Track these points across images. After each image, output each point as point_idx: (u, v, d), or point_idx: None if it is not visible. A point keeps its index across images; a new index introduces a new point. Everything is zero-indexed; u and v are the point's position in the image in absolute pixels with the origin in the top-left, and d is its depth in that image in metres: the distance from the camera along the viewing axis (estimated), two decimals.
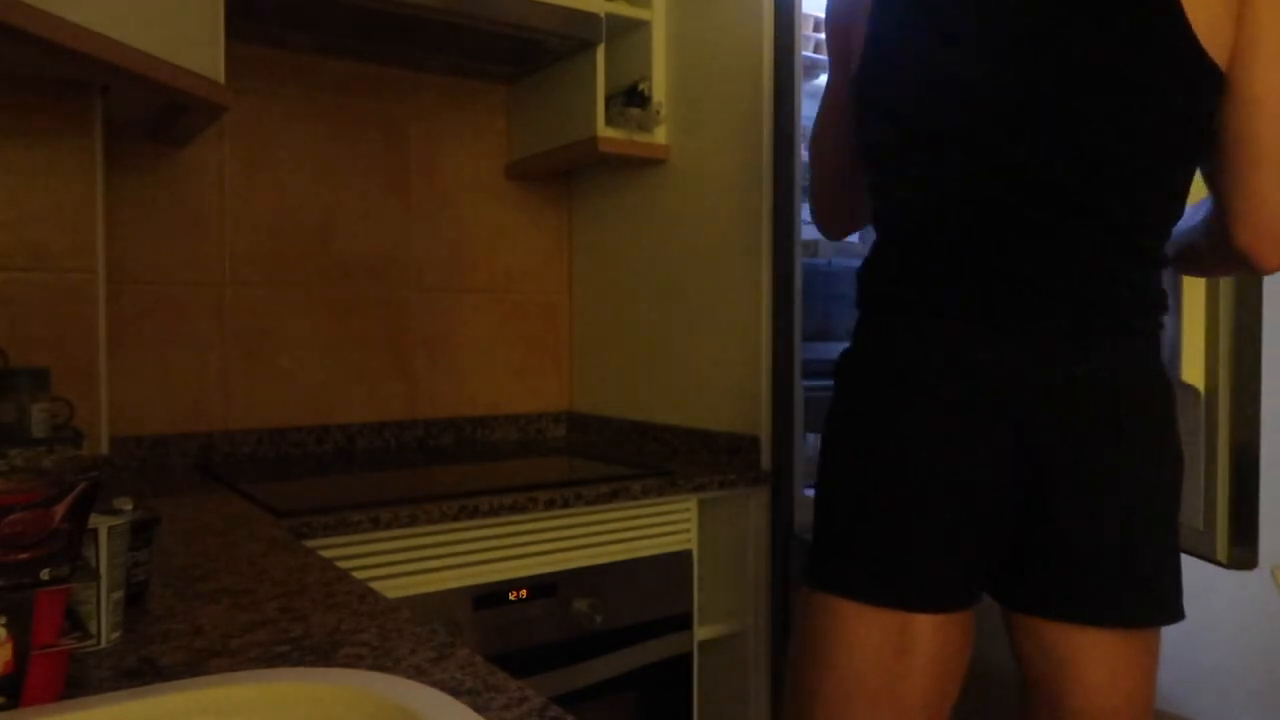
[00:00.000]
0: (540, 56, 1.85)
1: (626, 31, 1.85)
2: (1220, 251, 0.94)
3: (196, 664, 0.66)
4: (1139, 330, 0.92)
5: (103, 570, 0.69)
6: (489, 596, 1.34)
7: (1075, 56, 0.87)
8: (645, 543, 1.50)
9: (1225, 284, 1.14)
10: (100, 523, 0.69)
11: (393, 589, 1.26)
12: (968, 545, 0.92)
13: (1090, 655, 0.92)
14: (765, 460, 1.61)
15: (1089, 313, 0.90)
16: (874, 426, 0.94)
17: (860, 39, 0.99)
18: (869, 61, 0.98)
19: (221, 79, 1.32)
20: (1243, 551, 1.15)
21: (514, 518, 1.36)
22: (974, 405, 0.90)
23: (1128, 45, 0.86)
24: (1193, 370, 1.18)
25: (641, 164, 1.88)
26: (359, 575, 1.19)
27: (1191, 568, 1.87)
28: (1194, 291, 1.17)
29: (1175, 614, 0.95)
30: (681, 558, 1.54)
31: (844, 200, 1.13)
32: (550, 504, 1.38)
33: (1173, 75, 0.86)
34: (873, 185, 1.01)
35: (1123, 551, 0.90)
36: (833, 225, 1.18)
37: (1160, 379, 0.93)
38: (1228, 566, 1.16)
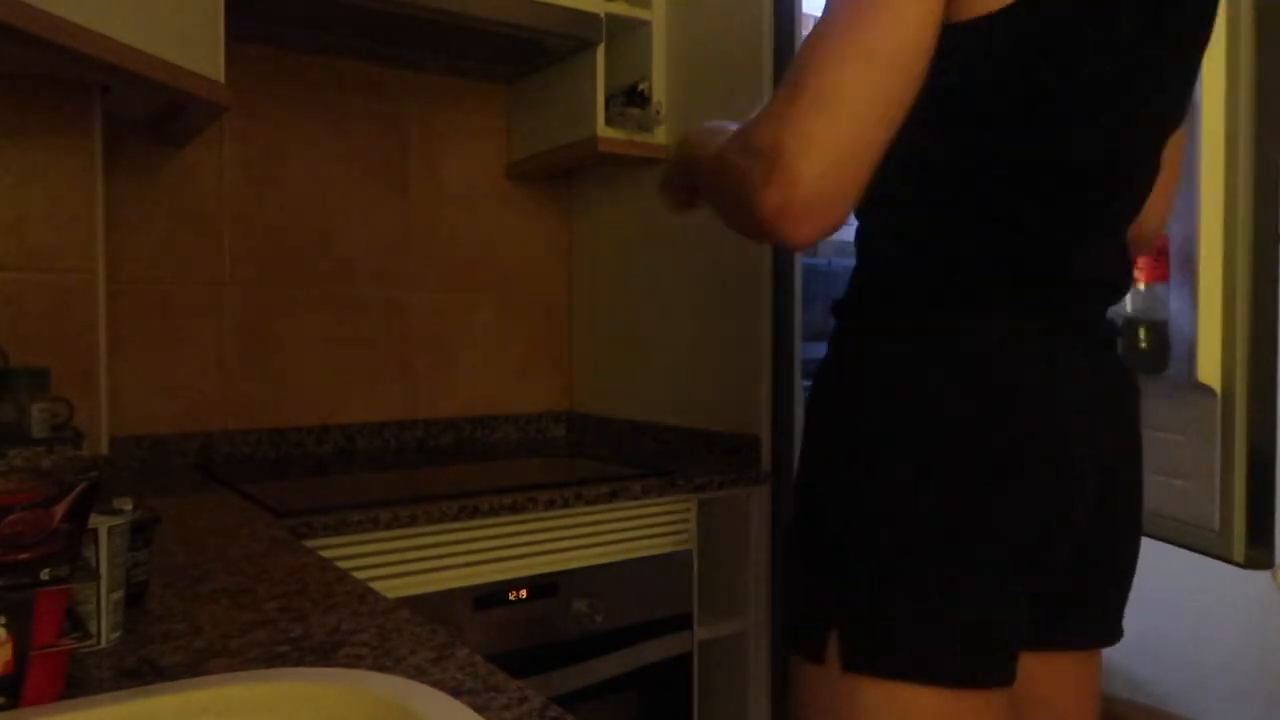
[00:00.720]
0: (540, 56, 1.85)
1: (626, 31, 1.85)
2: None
3: (196, 664, 0.66)
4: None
5: (103, 570, 0.69)
6: (489, 596, 1.34)
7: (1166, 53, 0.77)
8: (645, 543, 1.50)
9: (1242, 284, 1.14)
10: (100, 523, 0.69)
11: (393, 589, 1.26)
12: (1061, 584, 0.79)
13: (1067, 680, 0.83)
14: (765, 460, 1.61)
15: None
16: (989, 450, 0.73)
17: None
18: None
19: (221, 79, 1.32)
20: (1258, 552, 1.15)
21: (514, 518, 1.36)
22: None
23: (1197, 40, 0.80)
24: (1209, 371, 1.18)
25: (641, 164, 1.88)
26: (359, 575, 1.19)
27: (1193, 569, 1.87)
28: (1210, 292, 1.17)
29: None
30: (681, 558, 1.54)
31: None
32: (550, 504, 1.38)
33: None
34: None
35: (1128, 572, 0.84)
36: (837, 211, 0.75)
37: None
38: (1244, 567, 1.16)
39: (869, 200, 0.75)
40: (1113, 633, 0.85)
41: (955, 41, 0.72)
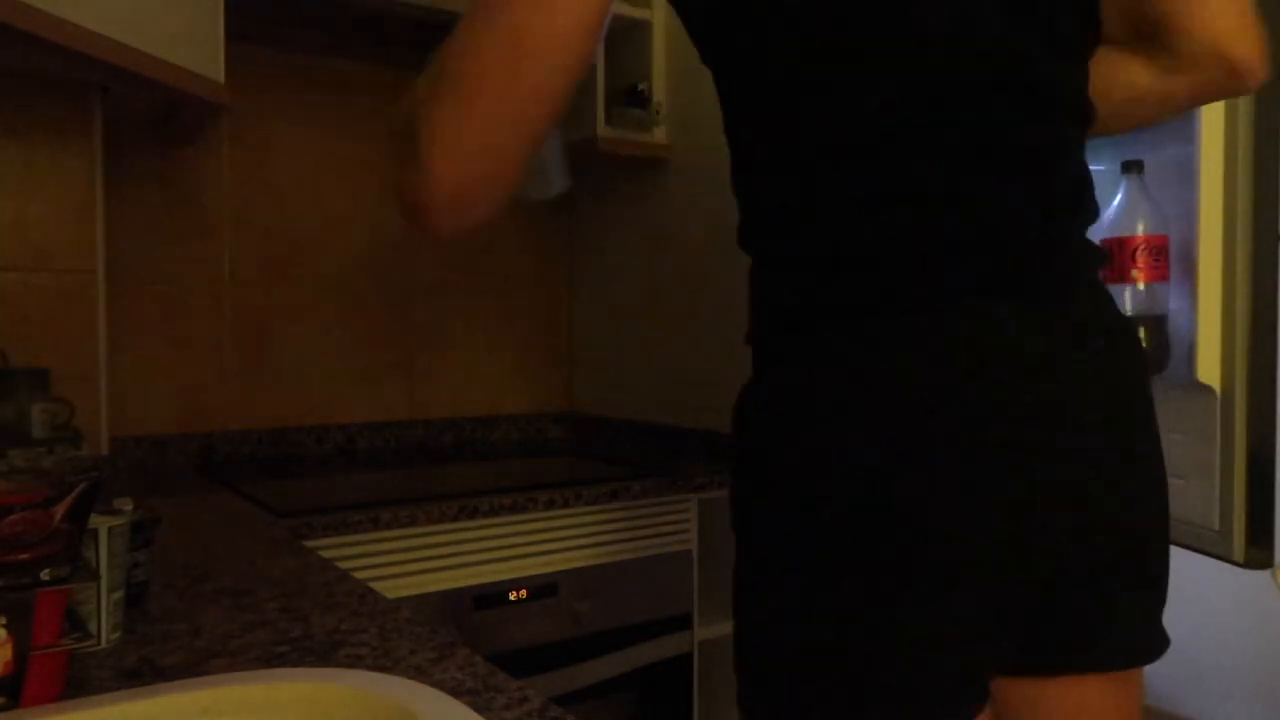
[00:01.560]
0: None
1: (626, 31, 1.85)
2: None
3: (196, 664, 0.66)
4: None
5: (103, 570, 0.69)
6: (489, 596, 1.34)
7: None
8: (645, 543, 1.50)
9: (1242, 283, 1.14)
10: (100, 523, 0.69)
11: (393, 589, 1.26)
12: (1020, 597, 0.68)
13: (1088, 706, 0.73)
14: None
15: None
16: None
17: None
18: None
19: (221, 79, 1.32)
20: (1259, 552, 1.15)
21: (514, 518, 1.36)
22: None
23: None
24: (1208, 371, 1.17)
25: (641, 164, 1.88)
26: (359, 575, 1.19)
27: (1192, 568, 1.87)
28: (1210, 291, 1.17)
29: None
30: (681, 558, 1.54)
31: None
32: (550, 504, 1.38)
33: None
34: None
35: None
36: (477, 210, 0.69)
37: None
38: (1244, 566, 1.16)
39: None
40: (1135, 649, 0.74)
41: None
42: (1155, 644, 0.75)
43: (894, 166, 0.66)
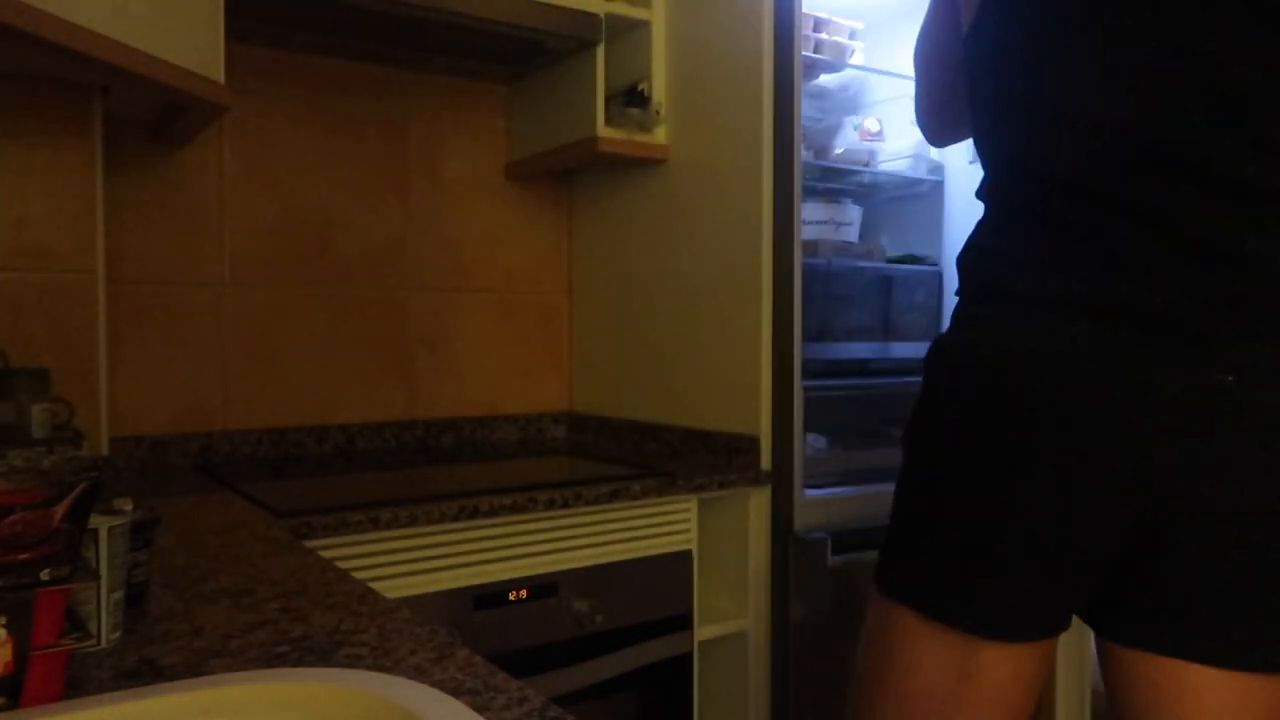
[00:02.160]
0: (540, 56, 1.85)
1: (626, 31, 1.85)
2: None
3: (196, 664, 0.66)
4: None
5: (103, 570, 0.69)
6: (489, 596, 1.34)
7: None
8: (645, 543, 1.50)
9: None
10: (100, 523, 0.69)
11: (393, 589, 1.26)
12: (1065, 569, 0.81)
13: (1203, 699, 0.79)
14: (765, 460, 1.61)
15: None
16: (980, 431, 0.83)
17: None
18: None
19: (221, 79, 1.32)
20: None
21: (514, 518, 1.36)
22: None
23: None
24: None
25: (641, 164, 1.88)
26: (359, 575, 1.19)
27: None
28: None
29: None
30: (681, 558, 1.54)
31: (955, 111, 1.04)
32: (550, 504, 1.38)
33: None
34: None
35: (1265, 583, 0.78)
36: (944, 135, 1.10)
37: None
38: None
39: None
40: (1231, 654, 0.79)
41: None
42: (1258, 655, 0.79)
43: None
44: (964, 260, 0.90)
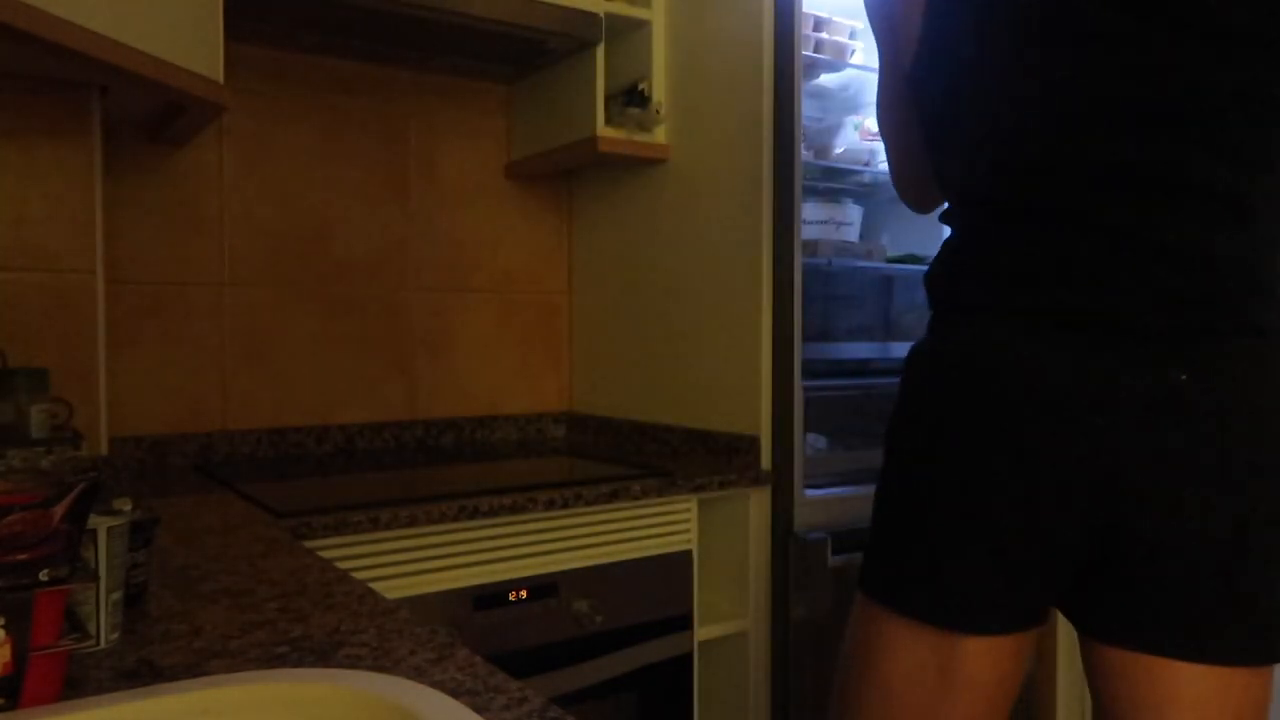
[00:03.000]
0: (540, 56, 1.85)
1: (626, 31, 1.85)
2: None
3: (196, 665, 0.66)
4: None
5: (102, 571, 0.69)
6: (489, 596, 1.34)
7: None
8: (645, 543, 1.50)
9: None
10: (99, 523, 0.69)
11: (393, 589, 1.26)
12: (1029, 564, 0.84)
13: (1180, 695, 0.81)
14: (765, 460, 1.61)
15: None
16: (938, 430, 0.88)
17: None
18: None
19: (221, 79, 1.32)
20: None
21: (514, 518, 1.36)
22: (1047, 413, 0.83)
23: None
24: None
25: (641, 164, 1.88)
26: (359, 575, 1.19)
27: None
28: None
29: None
30: (681, 558, 1.54)
31: (923, 173, 1.05)
32: (550, 504, 1.38)
33: None
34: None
35: (1229, 576, 0.79)
36: (924, 200, 1.10)
37: None
38: None
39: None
40: (1211, 648, 0.81)
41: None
42: (1243, 651, 0.81)
43: None
44: (931, 280, 0.95)
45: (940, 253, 0.95)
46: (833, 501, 1.62)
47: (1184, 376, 0.78)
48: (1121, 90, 0.79)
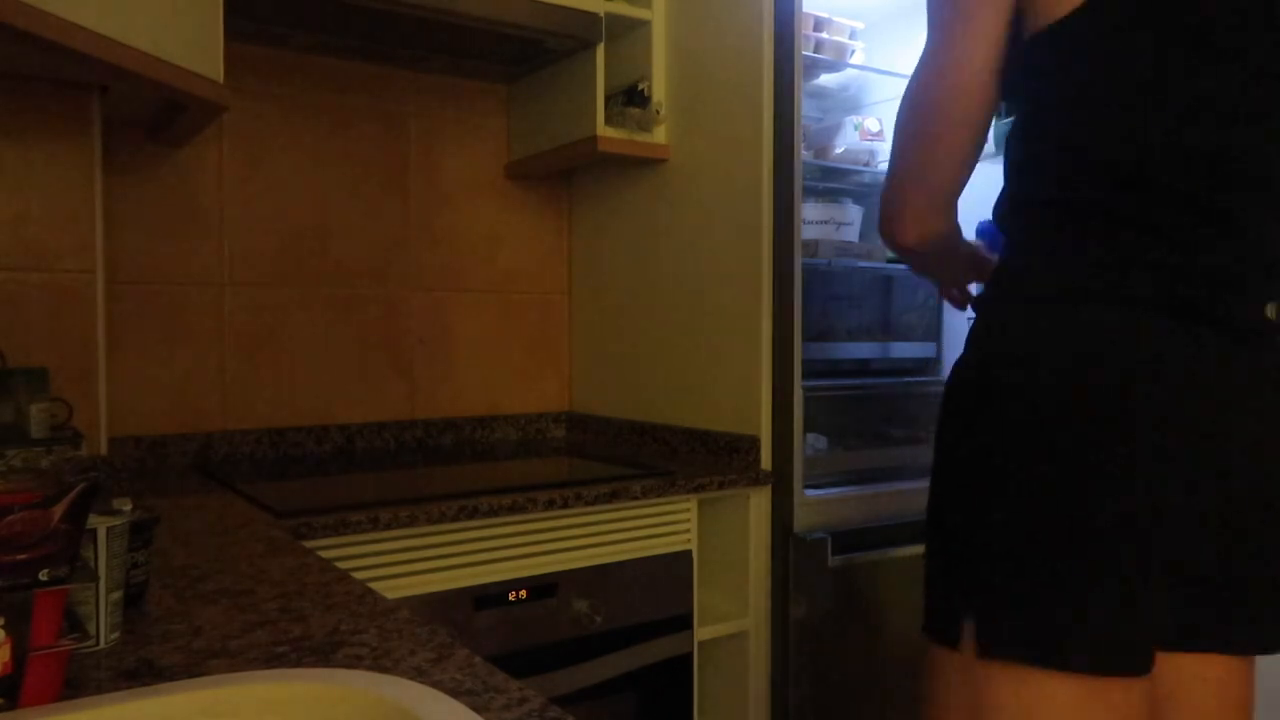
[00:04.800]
0: (540, 56, 1.85)
1: (626, 31, 1.85)
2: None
3: (195, 665, 0.66)
4: None
5: (102, 571, 0.69)
6: (489, 596, 1.34)
7: None
8: (645, 543, 1.50)
9: None
10: (99, 523, 0.69)
11: (393, 589, 1.26)
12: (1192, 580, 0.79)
13: (1224, 688, 0.81)
14: (765, 460, 1.61)
15: None
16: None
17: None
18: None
19: (221, 79, 1.32)
20: None
21: (514, 518, 1.36)
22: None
23: None
24: None
25: (641, 164, 1.88)
26: (359, 575, 1.19)
27: None
28: None
29: None
30: (681, 558, 1.54)
31: (958, 189, 0.92)
32: (550, 504, 1.38)
33: None
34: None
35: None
36: (941, 219, 0.93)
37: None
38: None
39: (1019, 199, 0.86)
40: (1268, 639, 0.81)
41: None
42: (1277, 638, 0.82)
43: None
44: (1020, 267, 0.85)
45: (1030, 240, 0.85)
46: (833, 501, 1.62)
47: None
48: (1265, 101, 0.79)
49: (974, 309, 0.91)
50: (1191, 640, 0.82)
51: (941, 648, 0.80)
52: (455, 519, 1.30)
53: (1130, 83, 0.79)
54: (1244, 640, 0.82)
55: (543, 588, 1.39)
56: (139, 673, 0.65)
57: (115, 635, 0.71)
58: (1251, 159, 0.78)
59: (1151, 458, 0.74)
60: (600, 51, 1.77)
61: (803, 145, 1.60)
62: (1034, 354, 0.79)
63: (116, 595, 0.71)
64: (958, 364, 0.87)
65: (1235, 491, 0.78)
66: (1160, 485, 0.74)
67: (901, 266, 1.97)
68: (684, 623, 1.54)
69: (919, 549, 1.00)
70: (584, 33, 1.72)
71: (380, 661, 0.67)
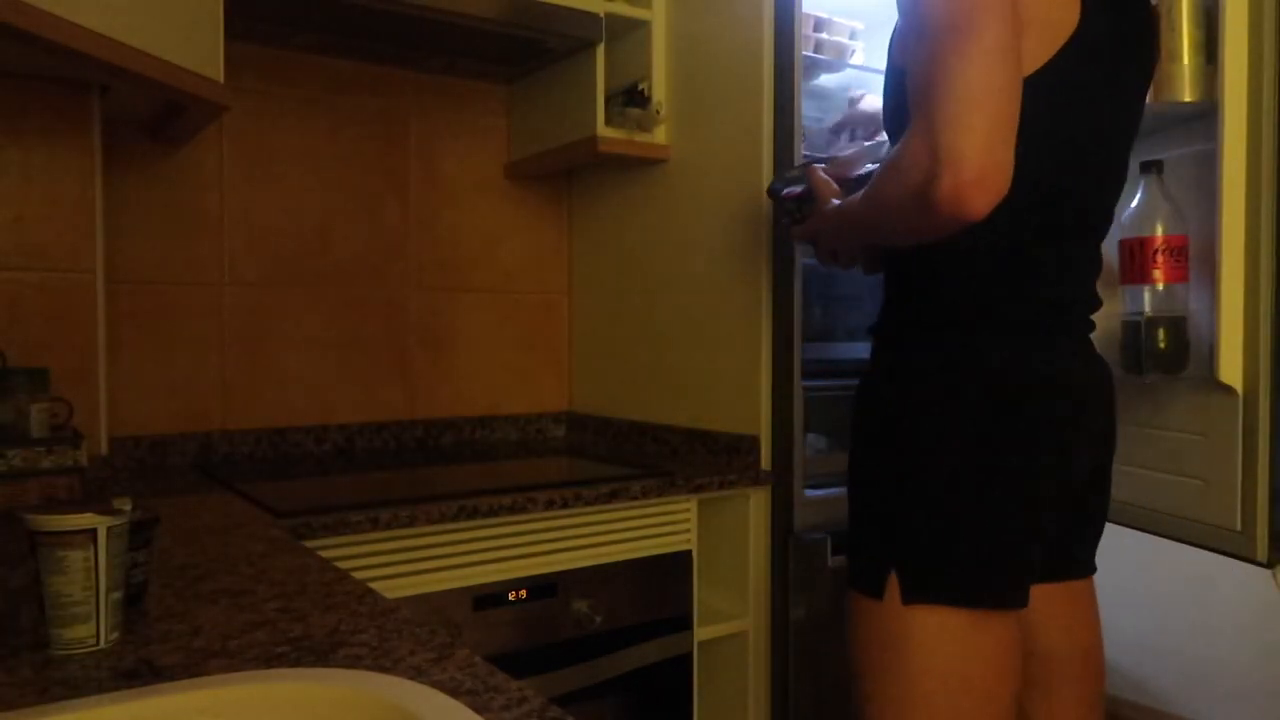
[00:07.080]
0: (540, 56, 1.85)
1: (626, 31, 1.85)
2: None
3: (195, 665, 0.66)
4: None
5: (101, 570, 0.69)
6: (489, 596, 1.34)
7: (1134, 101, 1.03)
8: (645, 543, 1.50)
9: (1265, 283, 1.13)
10: (99, 523, 0.69)
11: (393, 589, 1.26)
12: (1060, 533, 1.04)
13: (1088, 606, 1.10)
14: (765, 460, 1.61)
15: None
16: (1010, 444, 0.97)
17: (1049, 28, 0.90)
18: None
19: (221, 79, 1.32)
20: None
21: (514, 518, 1.36)
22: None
23: (1145, 80, 1.04)
24: (1230, 371, 1.17)
25: (641, 164, 1.88)
26: (359, 575, 1.19)
27: (1193, 569, 1.86)
28: (1232, 291, 1.16)
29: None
30: (681, 558, 1.54)
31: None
32: (550, 504, 1.38)
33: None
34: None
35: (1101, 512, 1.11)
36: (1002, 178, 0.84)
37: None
38: (1268, 566, 1.16)
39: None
40: (1091, 564, 1.12)
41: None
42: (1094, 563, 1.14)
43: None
44: (971, 289, 0.99)
45: (977, 267, 0.98)
46: (833, 501, 1.62)
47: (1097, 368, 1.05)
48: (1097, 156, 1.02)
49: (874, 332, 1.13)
50: (1059, 574, 1.08)
51: (866, 598, 0.99)
52: (455, 519, 1.30)
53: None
54: (1079, 569, 1.11)
55: (542, 588, 1.39)
56: (138, 672, 0.65)
57: (115, 635, 0.71)
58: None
59: (1043, 447, 0.96)
60: (600, 51, 1.77)
61: (803, 145, 1.60)
62: (1011, 373, 0.97)
63: (117, 595, 0.71)
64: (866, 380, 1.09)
65: (1079, 468, 1.02)
66: (1047, 463, 0.96)
67: None
68: (684, 623, 1.54)
69: None
70: (584, 33, 1.72)
71: (380, 661, 0.67)
